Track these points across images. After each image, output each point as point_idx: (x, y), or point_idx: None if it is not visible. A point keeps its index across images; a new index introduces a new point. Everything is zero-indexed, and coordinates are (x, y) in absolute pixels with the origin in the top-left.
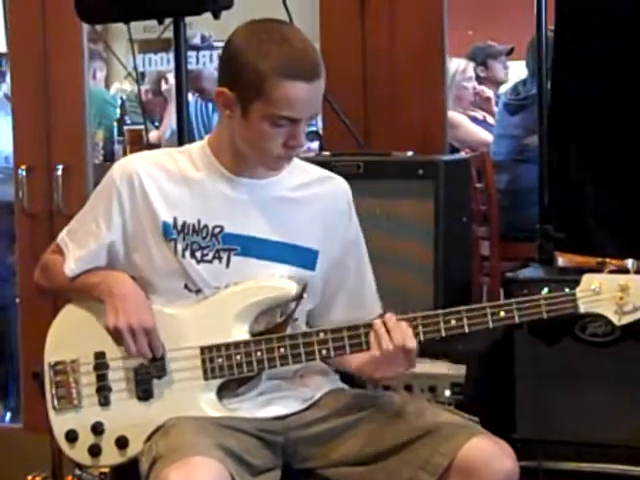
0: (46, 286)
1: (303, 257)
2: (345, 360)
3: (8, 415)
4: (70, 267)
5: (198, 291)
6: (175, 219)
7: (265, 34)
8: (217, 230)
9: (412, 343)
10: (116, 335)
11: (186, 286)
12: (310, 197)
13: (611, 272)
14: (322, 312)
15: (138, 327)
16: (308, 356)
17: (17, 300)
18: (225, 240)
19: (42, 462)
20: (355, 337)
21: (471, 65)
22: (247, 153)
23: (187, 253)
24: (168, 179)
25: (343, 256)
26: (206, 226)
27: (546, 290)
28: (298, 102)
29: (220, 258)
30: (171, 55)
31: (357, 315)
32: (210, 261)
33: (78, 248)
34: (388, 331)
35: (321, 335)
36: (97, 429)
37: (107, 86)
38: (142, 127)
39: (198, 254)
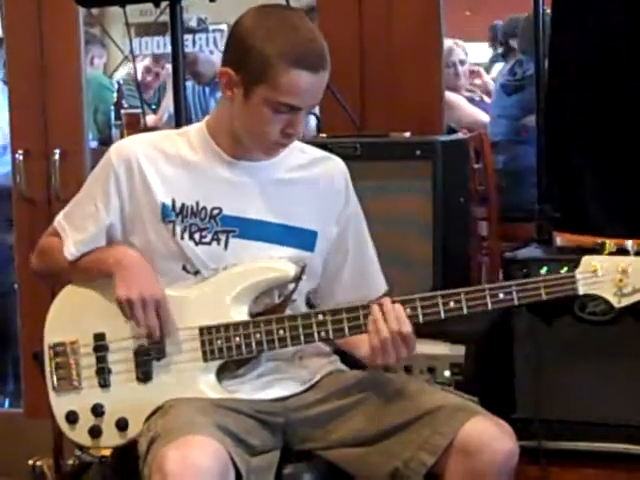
0: (45, 270)
1: (302, 238)
2: (352, 346)
3: (7, 401)
4: (70, 251)
5: (196, 273)
6: (174, 201)
7: (275, 20)
8: (216, 212)
9: (407, 327)
10: (128, 306)
11: (184, 268)
12: (308, 178)
13: (611, 253)
14: (326, 293)
15: (150, 298)
16: (307, 338)
17: (15, 286)
18: (224, 222)
19: (43, 447)
20: (354, 319)
21: (460, 45)
22: (243, 136)
23: (186, 235)
24: (166, 161)
25: (341, 235)
26: (205, 208)
27: (545, 270)
28: (301, 91)
29: (219, 240)
30: (167, 38)
31: (362, 294)
32: (209, 243)
33: (77, 232)
34: (384, 315)
35: (320, 317)
36: (97, 410)
37: (106, 72)
38: (139, 111)
39: (197, 236)
